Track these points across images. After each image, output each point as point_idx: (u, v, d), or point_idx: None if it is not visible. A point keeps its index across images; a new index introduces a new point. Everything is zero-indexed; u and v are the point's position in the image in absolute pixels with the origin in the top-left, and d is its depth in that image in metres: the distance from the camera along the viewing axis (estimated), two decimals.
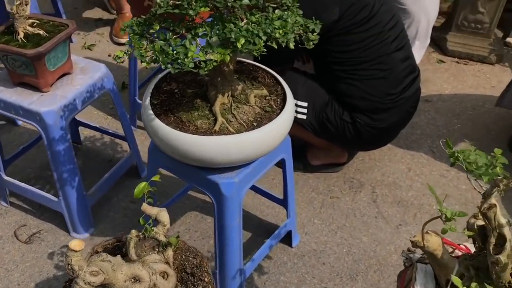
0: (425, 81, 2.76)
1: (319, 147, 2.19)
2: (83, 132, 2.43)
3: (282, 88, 1.57)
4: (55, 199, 1.91)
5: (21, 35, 1.64)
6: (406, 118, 2.06)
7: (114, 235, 1.57)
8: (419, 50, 2.68)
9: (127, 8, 3.14)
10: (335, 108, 1.96)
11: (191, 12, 1.22)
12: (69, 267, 1.11)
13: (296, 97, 1.76)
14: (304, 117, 1.98)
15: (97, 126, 2.28)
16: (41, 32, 1.66)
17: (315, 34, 1.32)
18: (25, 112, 1.70)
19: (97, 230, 2.02)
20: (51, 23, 1.75)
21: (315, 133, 2.04)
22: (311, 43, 1.33)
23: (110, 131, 2.26)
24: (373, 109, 1.93)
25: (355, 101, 1.93)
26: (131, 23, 1.34)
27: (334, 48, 1.88)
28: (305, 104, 1.97)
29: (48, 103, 1.69)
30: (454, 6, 3.14)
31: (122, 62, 1.28)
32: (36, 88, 1.72)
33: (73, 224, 1.95)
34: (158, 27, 1.30)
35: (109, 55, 2.99)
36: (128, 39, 1.32)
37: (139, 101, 2.33)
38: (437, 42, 3.14)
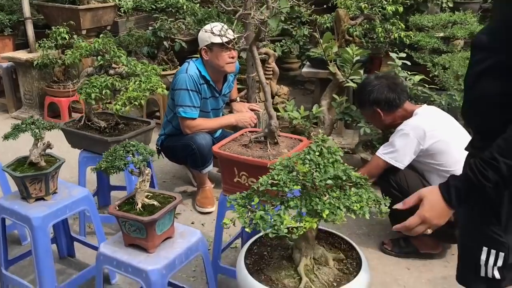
0: None
1: None
2: None
3: (357, 253, 1.81)
4: None
5: (139, 205, 2.02)
6: None
7: None
8: None
9: (208, 183, 3.60)
10: None
11: (286, 189, 1.55)
12: None
13: None
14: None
15: None
16: (155, 203, 2.04)
17: (386, 207, 1.60)
18: (133, 269, 1.99)
19: None
20: (161, 195, 2.14)
21: None
22: (383, 214, 1.60)
23: None
24: None
25: None
26: (235, 197, 1.68)
27: None
28: None
29: (153, 262, 1.99)
30: None
31: (229, 228, 1.59)
32: (144, 249, 2.04)
33: None
34: (258, 200, 1.62)
35: (192, 223, 3.35)
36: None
37: (221, 265, 2.58)
38: None
